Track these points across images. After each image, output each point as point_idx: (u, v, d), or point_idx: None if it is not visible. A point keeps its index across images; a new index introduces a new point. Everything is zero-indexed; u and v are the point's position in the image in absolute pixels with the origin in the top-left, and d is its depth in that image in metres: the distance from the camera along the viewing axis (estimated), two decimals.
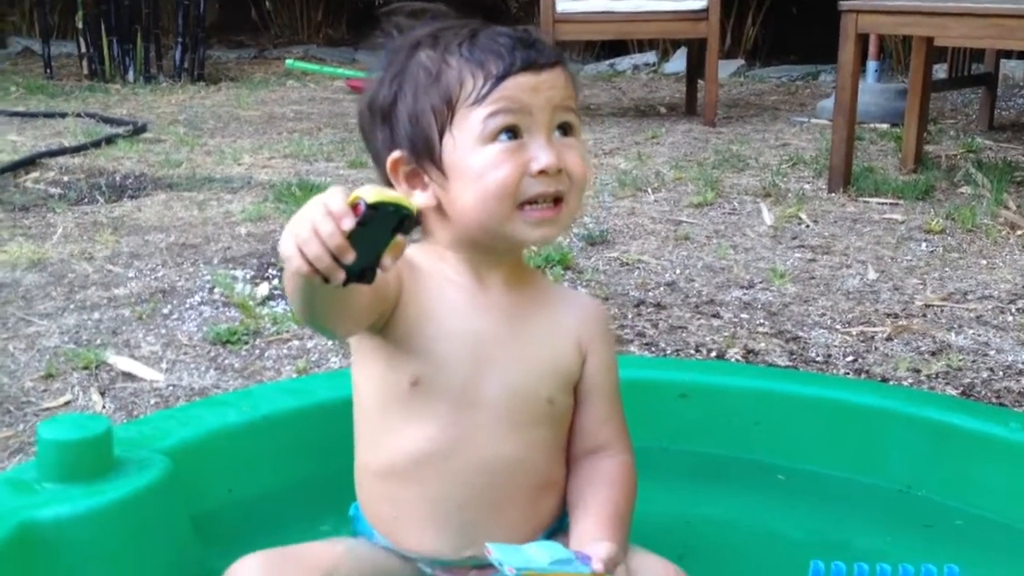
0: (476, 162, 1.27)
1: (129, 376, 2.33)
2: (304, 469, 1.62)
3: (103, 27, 7.66)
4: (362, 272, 1.08)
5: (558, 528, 1.38)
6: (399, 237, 1.10)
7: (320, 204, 1.06)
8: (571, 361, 1.38)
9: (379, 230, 1.07)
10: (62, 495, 1.32)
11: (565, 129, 1.30)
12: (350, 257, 1.05)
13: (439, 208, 1.32)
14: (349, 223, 1.04)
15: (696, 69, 6.03)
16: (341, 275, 1.06)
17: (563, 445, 1.40)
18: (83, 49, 7.83)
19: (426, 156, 1.30)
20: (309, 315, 1.21)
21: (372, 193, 1.06)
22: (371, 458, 1.37)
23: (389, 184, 1.33)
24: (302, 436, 1.63)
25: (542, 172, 1.26)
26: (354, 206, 1.05)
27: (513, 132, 1.27)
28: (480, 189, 1.27)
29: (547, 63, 1.28)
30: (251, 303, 2.73)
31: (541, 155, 1.26)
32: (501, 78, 1.25)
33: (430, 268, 1.35)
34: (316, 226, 1.05)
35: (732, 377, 1.85)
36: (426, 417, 1.32)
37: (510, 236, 1.30)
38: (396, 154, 1.31)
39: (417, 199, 1.31)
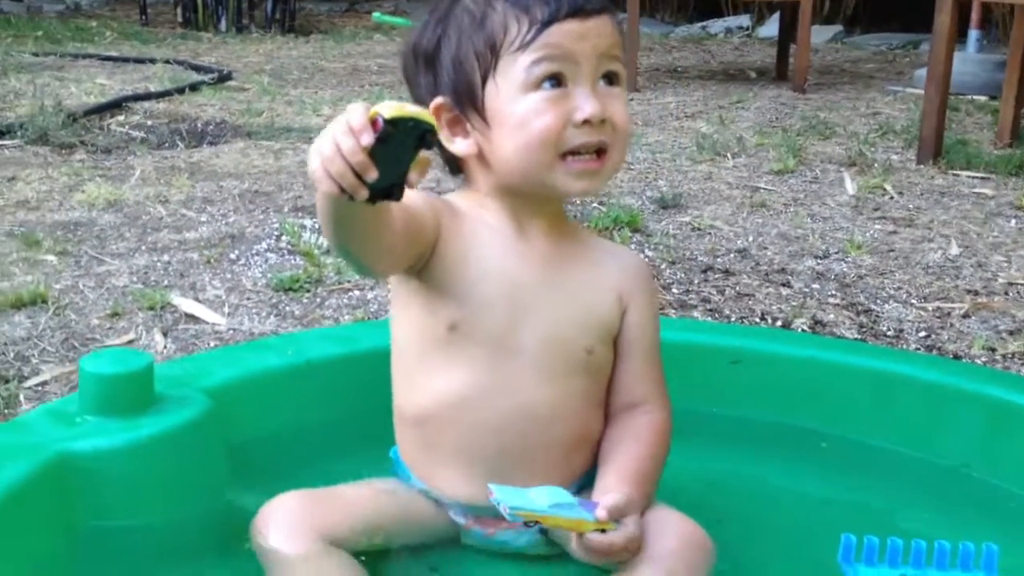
0: (519, 110, 1.24)
1: (192, 318, 2.35)
2: (345, 413, 1.62)
3: None
4: (389, 190, 1.06)
5: (588, 482, 1.37)
6: (423, 153, 1.07)
7: (342, 120, 1.04)
8: (610, 312, 1.37)
9: (401, 146, 1.04)
10: (101, 428, 1.33)
11: (610, 78, 1.27)
12: (373, 174, 1.03)
13: (481, 155, 1.30)
14: (368, 139, 1.02)
15: (789, 33, 5.88)
16: (364, 192, 1.04)
17: (601, 399, 1.39)
18: None
19: (468, 102, 1.28)
20: (339, 240, 1.18)
21: (391, 108, 1.03)
22: (407, 402, 1.37)
23: None
24: (344, 382, 1.63)
25: (586, 122, 1.24)
26: (373, 122, 1.02)
27: (557, 80, 1.24)
28: (522, 137, 1.25)
29: (594, 9, 1.25)
30: (316, 251, 2.74)
31: (585, 104, 1.24)
32: (546, 24, 1.23)
33: (470, 214, 1.34)
34: (338, 143, 1.03)
35: (784, 345, 1.80)
36: (462, 362, 1.31)
37: (551, 186, 1.28)
38: (439, 100, 1.30)
39: (459, 146, 1.30)
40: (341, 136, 1.03)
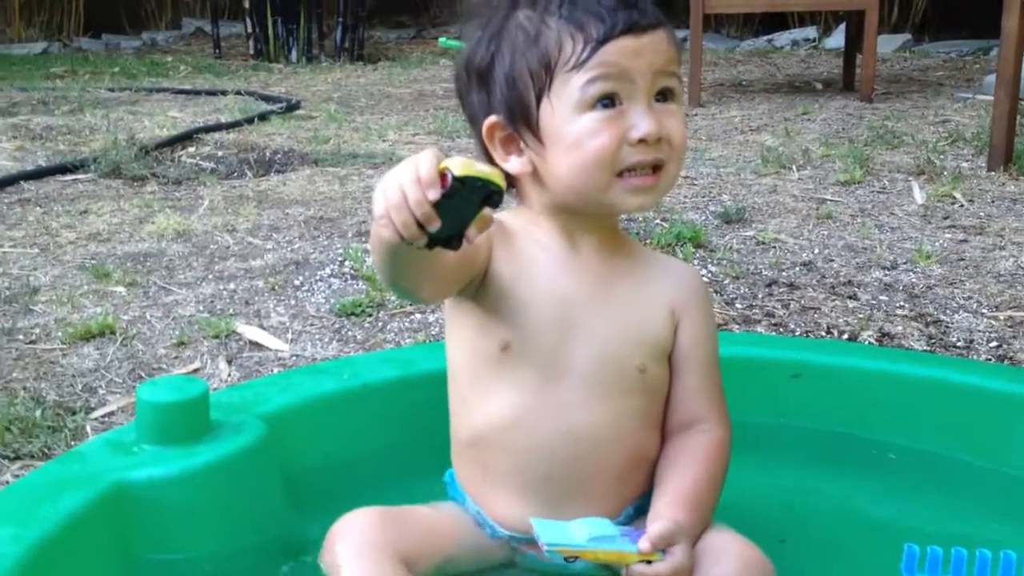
0: (574, 130, 1.24)
1: (256, 345, 2.39)
2: (401, 437, 1.63)
3: (269, 8, 7.92)
4: (448, 239, 1.08)
5: (646, 504, 1.34)
6: (486, 210, 1.09)
7: (411, 167, 1.06)
8: (663, 329, 1.35)
9: (466, 202, 1.07)
10: (156, 457, 1.36)
11: (665, 95, 1.26)
12: (435, 225, 1.06)
13: (535, 174, 1.30)
14: (435, 194, 1.04)
15: (855, 43, 5.80)
16: (424, 240, 1.06)
17: (657, 420, 1.37)
18: (250, 29, 8.13)
19: (523, 121, 1.28)
20: (390, 275, 1.22)
21: (461, 165, 1.05)
22: (462, 424, 1.37)
23: (485, 149, 1.32)
24: (400, 404, 1.64)
25: (641, 140, 1.23)
26: (442, 176, 1.04)
27: (612, 99, 1.23)
28: (578, 158, 1.25)
29: (649, 24, 1.24)
30: (378, 276, 2.76)
31: (641, 123, 1.23)
32: (601, 42, 1.22)
33: (522, 232, 1.34)
34: (405, 191, 1.05)
35: (844, 357, 1.76)
36: (514, 383, 1.31)
37: (608, 203, 1.28)
38: (492, 119, 1.30)
39: (512, 165, 1.30)
40: (409, 185, 1.05)
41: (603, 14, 1.23)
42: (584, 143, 1.24)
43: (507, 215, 1.38)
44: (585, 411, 1.30)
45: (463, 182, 1.04)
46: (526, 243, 1.33)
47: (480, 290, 1.30)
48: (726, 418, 1.38)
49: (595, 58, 1.22)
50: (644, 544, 1.18)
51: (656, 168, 1.26)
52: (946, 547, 1.27)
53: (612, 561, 1.20)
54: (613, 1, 1.24)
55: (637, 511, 1.35)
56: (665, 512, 1.26)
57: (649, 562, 1.19)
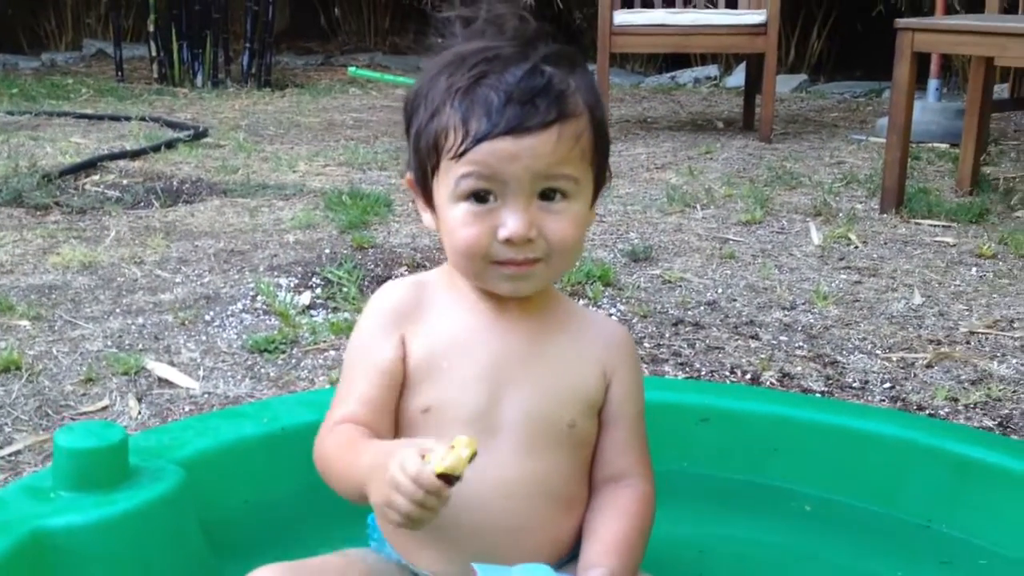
0: (450, 216, 1.27)
1: (166, 383, 2.37)
2: (320, 481, 1.63)
3: (174, 31, 7.81)
4: None
5: (574, 555, 1.37)
6: None
7: (410, 484, 1.12)
8: (594, 386, 1.37)
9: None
10: (75, 504, 1.35)
11: (551, 195, 1.25)
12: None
13: None
14: (447, 494, 1.14)
15: (755, 84, 5.98)
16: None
17: (585, 471, 1.39)
18: (154, 53, 8.00)
19: (422, 188, 1.32)
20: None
21: (454, 459, 1.13)
22: None
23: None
24: None
25: (508, 240, 1.24)
26: (445, 478, 1.13)
27: (483, 197, 1.24)
28: (452, 243, 1.29)
29: (537, 125, 1.21)
30: (291, 312, 2.77)
31: (509, 222, 1.23)
32: (477, 141, 1.21)
33: (445, 291, 1.36)
34: (418, 504, 1.13)
35: (753, 402, 1.84)
36: (440, 442, 1.32)
37: (485, 285, 1.31)
38: (408, 175, 1.34)
39: (425, 220, 1.34)
40: (420, 500, 1.12)
41: (491, 109, 1.21)
42: (456, 232, 1.27)
43: (433, 274, 1.40)
44: (515, 468, 1.32)
45: (458, 477, 1.14)
46: (448, 302, 1.35)
47: (408, 365, 1.33)
48: (650, 472, 1.41)
49: (469, 155, 1.22)
50: None
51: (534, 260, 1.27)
52: None
53: None
54: (510, 93, 1.21)
55: (568, 562, 1.36)
56: (596, 560, 1.28)
57: None
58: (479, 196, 1.24)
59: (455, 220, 1.26)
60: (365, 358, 1.35)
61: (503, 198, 1.23)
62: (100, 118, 5.91)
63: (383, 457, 1.17)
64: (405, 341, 1.33)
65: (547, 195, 1.25)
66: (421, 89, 1.30)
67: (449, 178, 1.25)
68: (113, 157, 4.69)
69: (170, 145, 5.02)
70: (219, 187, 4.28)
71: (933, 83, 5.52)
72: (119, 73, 8.05)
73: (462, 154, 1.22)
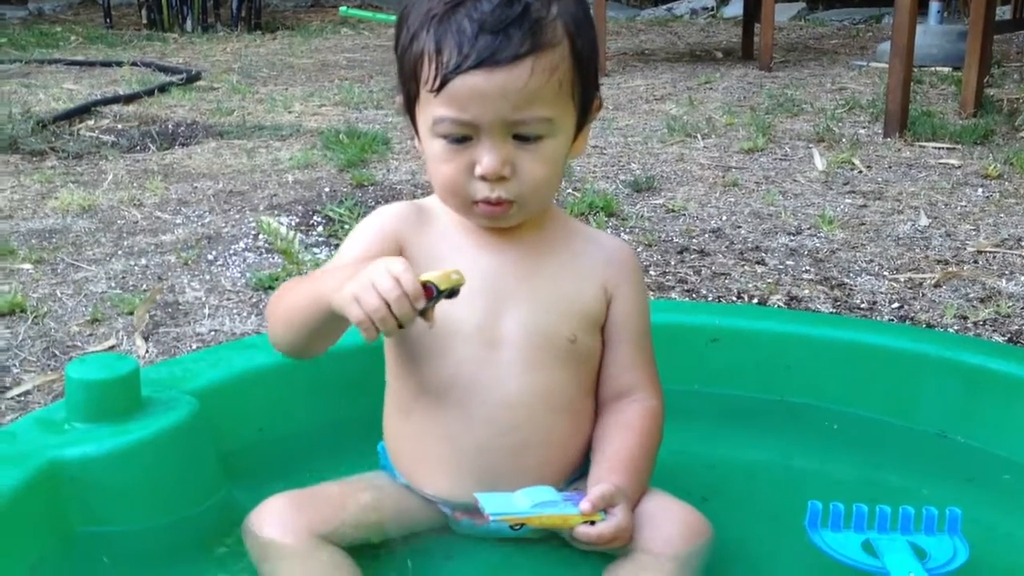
0: (430, 150, 1.27)
1: (173, 320, 2.36)
2: (332, 409, 1.64)
3: None
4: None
5: (583, 473, 1.38)
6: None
7: (389, 280, 1.11)
8: (594, 302, 1.37)
9: (437, 299, 1.16)
10: (89, 434, 1.34)
11: (524, 136, 1.24)
12: (410, 324, 1.14)
13: None
14: (421, 303, 1.13)
15: (753, 12, 5.91)
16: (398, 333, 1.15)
17: (590, 388, 1.39)
18: None
19: (408, 113, 1.31)
20: (304, 346, 1.29)
21: (440, 278, 1.14)
22: (396, 396, 1.38)
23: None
24: (331, 377, 1.64)
25: (483, 177, 1.24)
26: (425, 287, 1.13)
27: (457, 138, 1.24)
28: (433, 177, 1.29)
29: (508, 57, 1.18)
30: (294, 249, 2.75)
31: (483, 159, 1.23)
32: (449, 76, 1.19)
33: (442, 213, 1.35)
34: (388, 301, 1.11)
35: (762, 321, 1.83)
36: (445, 356, 1.32)
37: (469, 218, 1.32)
38: (399, 98, 1.33)
39: (418, 144, 1.32)
40: (394, 298, 1.11)
41: (463, 41, 1.19)
42: (436, 167, 1.27)
43: (429, 200, 1.39)
44: (517, 381, 1.32)
45: (441, 291, 1.14)
46: (447, 225, 1.35)
47: None
48: (658, 388, 1.41)
49: (444, 93, 1.20)
50: (585, 506, 1.22)
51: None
52: (855, 500, 1.32)
53: (556, 525, 1.23)
54: (479, 26, 1.18)
55: (576, 480, 1.37)
56: (604, 476, 1.29)
57: (592, 523, 1.22)
58: (454, 138, 1.24)
59: (434, 155, 1.26)
60: (354, 256, 1.33)
61: (478, 137, 1.23)
62: (91, 64, 5.85)
63: (357, 270, 1.17)
64: (405, 248, 1.33)
65: (521, 137, 1.24)
66: (406, 10, 1.28)
67: (427, 114, 1.24)
68: (107, 102, 4.65)
69: (163, 89, 4.98)
70: (215, 129, 4.24)
71: (934, 6, 5.46)
72: (107, 20, 7.97)
73: (438, 91, 1.21)
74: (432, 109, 1.23)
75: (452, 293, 1.17)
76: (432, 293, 1.13)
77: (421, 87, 1.24)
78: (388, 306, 1.11)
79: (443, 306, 1.29)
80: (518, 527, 1.23)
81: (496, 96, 1.19)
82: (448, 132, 1.23)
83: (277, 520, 1.26)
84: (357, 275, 1.14)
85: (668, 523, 1.27)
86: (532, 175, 1.25)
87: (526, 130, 1.23)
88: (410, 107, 1.29)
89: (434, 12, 1.21)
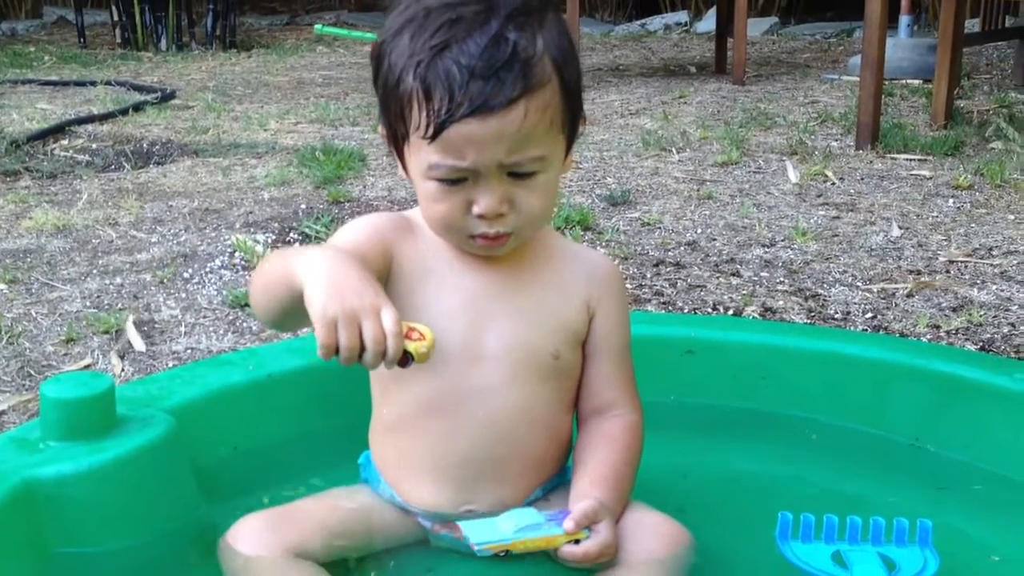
0: (423, 189, 1.27)
1: (148, 340, 2.35)
2: (308, 425, 1.64)
3: None
4: None
5: (560, 482, 1.39)
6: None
7: (379, 332, 1.08)
8: (577, 318, 1.38)
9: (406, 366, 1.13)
10: (64, 453, 1.34)
11: (519, 173, 1.24)
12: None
13: None
14: (392, 366, 1.10)
15: (726, 27, 5.95)
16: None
17: (570, 402, 1.41)
18: (116, 18, 7.90)
19: (394, 147, 1.30)
20: (275, 320, 1.26)
21: (424, 352, 1.12)
22: (381, 410, 1.39)
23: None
24: (306, 394, 1.64)
25: (481, 216, 1.24)
26: (404, 357, 1.11)
27: (452, 181, 1.23)
28: (426, 214, 1.29)
29: (502, 103, 1.17)
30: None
31: (481, 200, 1.23)
32: (444, 124, 1.18)
33: (428, 230, 1.35)
34: (367, 350, 1.08)
35: (736, 332, 1.84)
36: (428, 372, 1.32)
37: (463, 247, 1.32)
38: (380, 128, 1.32)
39: (402, 171, 1.32)
40: (372, 350, 1.08)
41: (454, 88, 1.16)
42: (431, 206, 1.27)
43: (414, 212, 1.39)
44: (501, 396, 1.33)
45: (415, 361, 1.11)
46: (430, 238, 1.35)
47: (387, 289, 1.31)
48: (638, 403, 1.42)
49: (439, 141, 1.19)
50: (569, 525, 1.22)
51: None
52: (829, 508, 1.33)
53: (541, 547, 1.23)
54: (469, 73, 1.16)
55: (545, 491, 1.38)
56: (587, 492, 1.29)
57: (577, 541, 1.22)
58: (451, 180, 1.23)
59: (428, 194, 1.26)
60: (339, 239, 1.32)
61: (474, 178, 1.23)
62: (65, 84, 5.83)
63: (332, 256, 1.14)
64: (393, 255, 1.33)
65: (517, 174, 1.23)
66: (385, 44, 1.25)
67: (420, 158, 1.23)
68: (81, 121, 4.63)
69: (138, 108, 4.96)
70: (190, 148, 4.24)
71: (904, 19, 5.52)
72: (81, 40, 7.94)
73: (432, 138, 1.19)
74: (425, 155, 1.22)
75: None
76: (407, 361, 1.11)
77: (411, 131, 1.22)
78: (371, 346, 1.08)
79: (428, 320, 1.29)
80: (503, 554, 1.23)
81: (491, 142, 1.18)
82: (444, 177, 1.23)
83: (252, 538, 1.26)
84: (344, 286, 1.10)
85: (648, 534, 1.28)
86: (529, 208, 1.26)
87: (521, 169, 1.23)
88: (396, 142, 1.28)
89: (419, 57, 1.19)
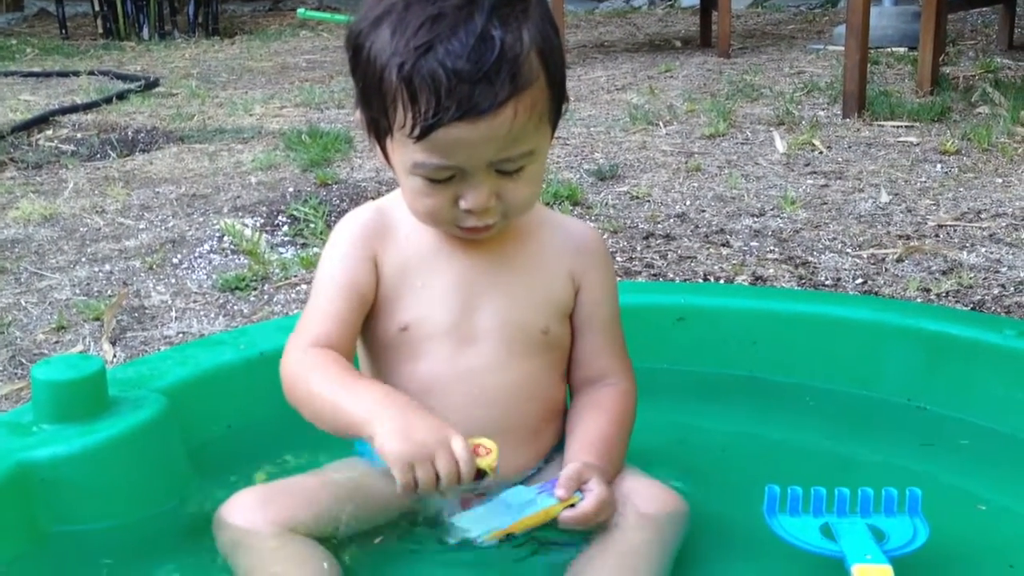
0: (409, 185, 1.25)
1: (140, 324, 2.35)
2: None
3: None
4: None
5: (557, 451, 1.39)
6: None
7: (452, 461, 1.15)
8: (563, 292, 1.38)
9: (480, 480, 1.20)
10: (57, 435, 1.34)
11: (510, 171, 1.22)
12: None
13: None
14: (469, 484, 1.17)
15: (710, 1, 5.94)
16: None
17: (561, 372, 1.41)
18: (97, 8, 7.85)
19: (375, 137, 1.27)
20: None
21: (492, 462, 1.18)
22: None
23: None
24: None
25: (469, 211, 1.24)
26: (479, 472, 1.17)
27: (441, 179, 1.22)
28: (412, 207, 1.28)
29: (491, 106, 1.14)
30: (260, 250, 2.74)
31: (469, 195, 1.22)
32: (431, 127, 1.15)
33: (406, 217, 1.34)
34: (442, 479, 1.15)
35: (727, 299, 1.84)
36: (422, 355, 1.33)
37: (449, 233, 1.32)
38: (357, 113, 1.29)
39: (379, 156, 1.30)
40: (448, 478, 1.15)
41: (440, 89, 1.13)
42: (417, 200, 1.26)
43: (393, 198, 1.38)
44: (494, 374, 1.33)
45: (487, 475, 1.18)
46: (414, 228, 1.34)
47: (379, 289, 1.33)
48: (630, 371, 1.42)
49: (425, 142, 1.17)
50: (560, 492, 1.22)
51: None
52: (823, 471, 1.33)
53: (541, 521, 1.23)
54: (456, 77, 1.13)
55: (547, 462, 1.38)
56: (574, 457, 1.30)
57: (572, 506, 1.22)
58: (437, 178, 1.22)
59: (414, 189, 1.24)
60: (338, 279, 1.34)
61: (461, 175, 1.21)
62: (48, 75, 5.80)
63: (389, 401, 1.20)
64: (378, 262, 1.33)
65: (505, 171, 1.22)
66: (363, 34, 1.21)
67: (404, 154, 1.21)
68: (65, 111, 4.61)
69: (122, 96, 4.94)
70: (175, 134, 4.22)
71: None
72: (63, 31, 7.90)
73: (418, 139, 1.17)
74: (411, 153, 1.20)
75: None
76: (481, 477, 1.17)
77: (395, 129, 1.20)
78: (446, 477, 1.15)
79: (419, 308, 1.32)
80: (506, 539, 1.23)
81: (480, 144, 1.17)
82: (430, 175, 1.21)
83: (246, 513, 1.26)
84: (410, 427, 1.16)
85: (643, 500, 1.28)
86: (517, 198, 1.25)
87: (510, 167, 1.22)
88: (377, 133, 1.26)
89: (402, 57, 1.15)
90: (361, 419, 1.19)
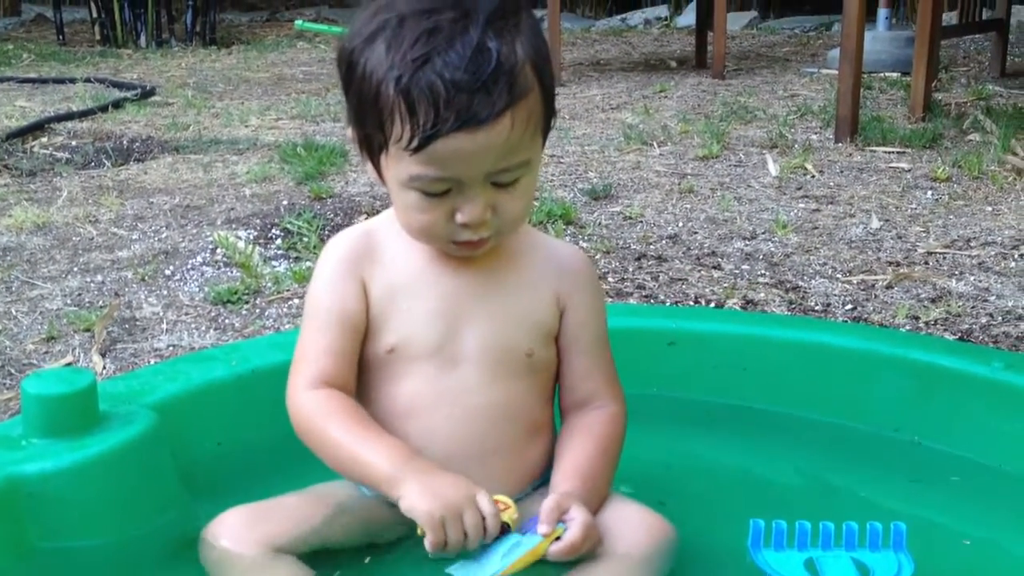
0: (403, 200, 1.25)
1: (130, 336, 2.35)
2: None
3: None
4: None
5: (546, 480, 1.39)
6: None
7: (479, 518, 1.21)
8: (547, 314, 1.38)
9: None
10: (47, 450, 1.34)
11: (506, 183, 1.23)
12: None
13: None
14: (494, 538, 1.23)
15: (706, 21, 5.97)
16: None
17: (548, 393, 1.41)
18: (95, 14, 7.86)
19: (367, 154, 1.27)
20: None
21: (512, 515, 1.25)
22: (364, 407, 1.38)
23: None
24: None
25: (465, 225, 1.24)
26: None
27: (437, 191, 1.22)
28: (405, 222, 1.29)
29: (489, 116, 1.15)
30: (253, 263, 2.74)
31: (465, 209, 1.22)
32: (430, 138, 1.15)
33: (395, 235, 1.35)
34: (469, 535, 1.21)
35: (718, 324, 1.85)
36: (407, 376, 1.34)
37: (443, 252, 1.33)
38: (349, 131, 1.29)
39: (371, 173, 1.30)
40: (474, 534, 1.21)
41: (438, 103, 1.14)
42: (412, 215, 1.26)
43: (381, 219, 1.39)
44: (478, 395, 1.34)
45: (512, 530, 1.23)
46: (398, 249, 1.35)
47: (368, 312, 1.34)
48: (619, 393, 1.42)
49: (423, 153, 1.17)
50: (542, 528, 1.22)
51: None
52: (810, 501, 1.33)
53: (531, 561, 1.23)
54: (454, 88, 1.13)
55: (537, 488, 1.38)
56: (556, 487, 1.30)
57: (558, 538, 1.22)
58: (433, 191, 1.22)
59: (409, 204, 1.25)
60: (329, 307, 1.34)
61: (458, 188, 1.22)
62: (44, 81, 5.80)
63: (411, 460, 1.25)
64: (366, 286, 1.34)
65: (501, 183, 1.23)
66: (356, 51, 1.21)
67: (400, 168, 1.21)
68: (60, 119, 4.61)
69: (117, 105, 4.94)
70: (170, 144, 4.22)
71: (882, 12, 5.54)
72: (60, 37, 7.90)
73: (415, 151, 1.17)
74: (406, 166, 1.20)
75: None
76: (506, 531, 1.22)
77: (391, 142, 1.20)
78: (472, 533, 1.20)
79: (405, 330, 1.33)
80: None
81: (479, 154, 1.17)
82: (427, 188, 1.21)
83: (231, 533, 1.26)
84: (436, 486, 1.22)
85: (630, 527, 1.28)
86: (511, 212, 1.26)
87: (506, 177, 1.22)
88: (369, 148, 1.26)
89: (399, 71, 1.15)
90: (385, 478, 1.24)
